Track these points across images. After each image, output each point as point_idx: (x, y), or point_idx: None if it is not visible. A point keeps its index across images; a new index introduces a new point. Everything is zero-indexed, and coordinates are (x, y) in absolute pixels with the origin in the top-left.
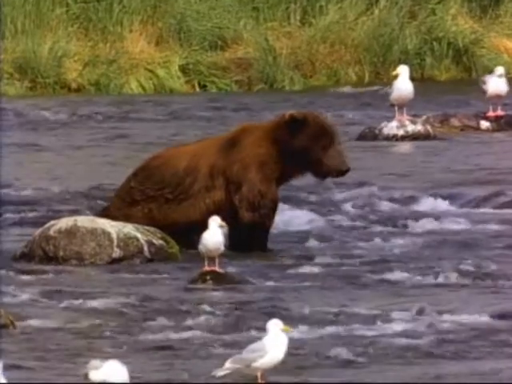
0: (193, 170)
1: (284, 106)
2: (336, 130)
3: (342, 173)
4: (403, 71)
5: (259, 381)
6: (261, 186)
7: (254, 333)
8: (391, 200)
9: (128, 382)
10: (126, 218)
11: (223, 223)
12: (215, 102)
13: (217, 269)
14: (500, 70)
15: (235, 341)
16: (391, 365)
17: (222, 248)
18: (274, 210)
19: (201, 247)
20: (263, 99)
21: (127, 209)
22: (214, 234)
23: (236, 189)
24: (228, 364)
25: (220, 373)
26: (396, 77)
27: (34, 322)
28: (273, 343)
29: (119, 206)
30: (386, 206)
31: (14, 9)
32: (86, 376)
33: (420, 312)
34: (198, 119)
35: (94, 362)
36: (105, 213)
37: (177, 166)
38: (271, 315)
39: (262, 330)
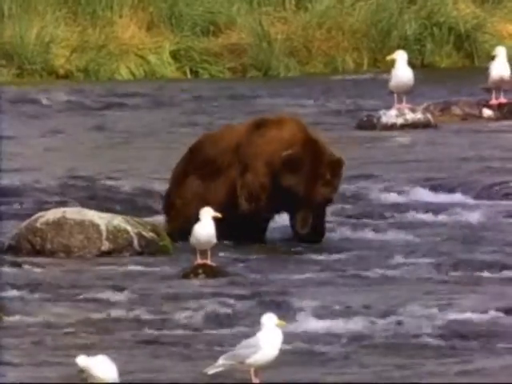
0: (227, 148)
1: (279, 94)
2: (319, 194)
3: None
4: (400, 57)
5: (252, 379)
6: (264, 179)
7: (247, 328)
8: (390, 192)
9: (117, 379)
10: (179, 198)
11: (216, 214)
12: (207, 90)
13: (209, 262)
14: (500, 50)
15: (228, 336)
16: (395, 363)
17: (214, 240)
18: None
19: (192, 240)
20: (257, 87)
21: (180, 188)
22: (206, 226)
23: (241, 172)
24: (221, 361)
25: (212, 370)
26: (392, 62)
27: (20, 317)
28: (267, 339)
29: (173, 186)
30: (384, 198)
31: None
32: (76, 375)
33: (425, 307)
34: (189, 107)
35: (82, 359)
36: (166, 194)
37: (219, 145)
38: (265, 309)
39: (256, 324)
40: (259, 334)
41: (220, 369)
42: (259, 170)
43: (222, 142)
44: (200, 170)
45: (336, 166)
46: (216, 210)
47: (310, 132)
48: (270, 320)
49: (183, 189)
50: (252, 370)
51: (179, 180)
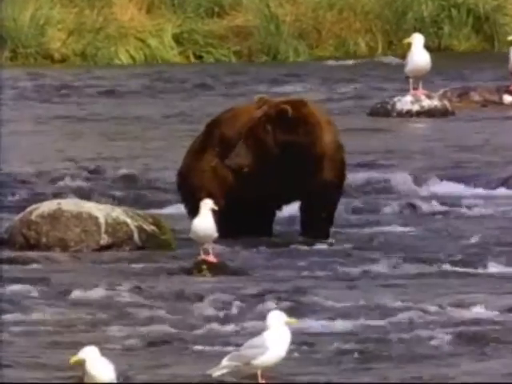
0: (241, 129)
1: (287, 80)
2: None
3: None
4: (417, 40)
5: (259, 380)
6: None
7: (253, 327)
8: (404, 183)
9: (115, 380)
10: (194, 172)
11: (215, 206)
12: (212, 75)
13: (211, 258)
14: None
15: (233, 336)
16: (407, 362)
17: (215, 234)
18: None
19: (192, 234)
20: (265, 71)
21: (196, 164)
22: (205, 220)
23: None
24: (225, 362)
25: (217, 372)
26: (408, 45)
27: (14, 315)
28: (274, 338)
29: (190, 160)
30: (398, 188)
31: None
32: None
33: (438, 305)
34: (192, 93)
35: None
36: (178, 171)
37: (235, 124)
38: (272, 307)
39: (263, 323)
40: (266, 333)
41: (224, 370)
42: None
43: (237, 122)
44: (216, 147)
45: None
46: (226, 192)
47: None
48: (277, 318)
49: (199, 165)
50: (258, 371)
51: (196, 156)
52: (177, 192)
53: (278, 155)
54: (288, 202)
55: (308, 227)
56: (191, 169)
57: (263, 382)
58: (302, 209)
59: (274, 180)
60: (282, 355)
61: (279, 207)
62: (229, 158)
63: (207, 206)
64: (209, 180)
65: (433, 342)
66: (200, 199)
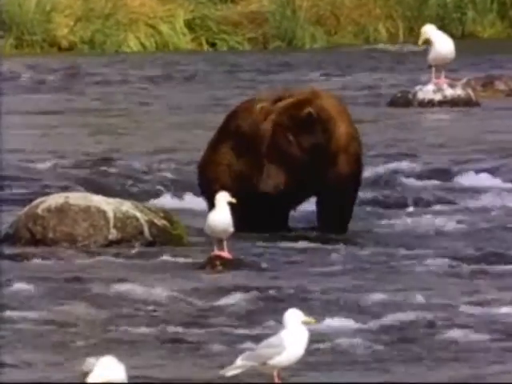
0: (257, 121)
1: (304, 68)
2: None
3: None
4: (430, 31)
5: (276, 381)
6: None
7: (269, 325)
8: (426, 175)
9: (126, 381)
10: (210, 165)
11: (233, 199)
12: (225, 63)
13: (226, 254)
14: None
15: (248, 334)
16: (426, 363)
17: (231, 229)
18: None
19: (207, 228)
20: (280, 59)
21: (212, 155)
22: (222, 213)
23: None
24: (239, 361)
25: (230, 372)
26: (427, 42)
27: (19, 314)
28: (291, 337)
29: (207, 153)
30: (418, 181)
31: None
32: (81, 376)
33: (463, 303)
34: (205, 81)
35: (88, 361)
36: (198, 163)
37: (251, 116)
38: (289, 305)
39: (279, 321)
40: (283, 332)
41: (239, 370)
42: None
43: (252, 115)
44: (232, 139)
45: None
46: (240, 186)
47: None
48: (294, 316)
49: (215, 157)
50: (275, 371)
51: (213, 148)
52: (191, 185)
53: (303, 158)
54: (305, 197)
55: (325, 222)
56: (208, 161)
57: (279, 382)
58: (319, 203)
59: (291, 176)
60: (300, 355)
61: (295, 202)
62: (262, 184)
63: (224, 198)
64: (224, 173)
65: (461, 341)
66: (215, 192)
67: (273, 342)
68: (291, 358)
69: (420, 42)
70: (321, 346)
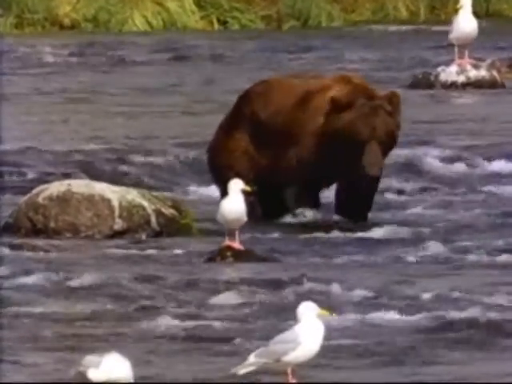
0: (277, 111)
1: (320, 47)
2: (383, 125)
3: (367, 177)
4: (466, 4)
5: (289, 379)
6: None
7: (282, 320)
8: (448, 160)
9: (132, 379)
10: (223, 151)
11: (247, 187)
12: (237, 42)
13: (237, 244)
14: None
15: (260, 330)
16: (444, 361)
17: (245, 218)
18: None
19: (219, 217)
20: (295, 38)
21: (225, 140)
22: (235, 202)
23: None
24: (252, 358)
25: (242, 370)
26: (457, 10)
27: (20, 307)
28: (306, 332)
29: (219, 137)
30: (441, 167)
31: None
32: (81, 374)
33: (487, 294)
34: (216, 62)
35: (90, 358)
36: (208, 147)
37: (269, 105)
38: (303, 298)
39: (293, 315)
40: (297, 327)
41: (251, 368)
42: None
43: (271, 99)
44: (247, 125)
45: (393, 97)
46: (258, 174)
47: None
48: (309, 310)
49: (229, 143)
50: (289, 369)
51: (226, 133)
52: (200, 173)
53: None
54: (327, 185)
55: (346, 210)
56: (220, 147)
57: (294, 381)
58: (340, 191)
59: (313, 164)
60: (316, 351)
61: (314, 191)
62: (369, 168)
63: (237, 186)
64: (238, 160)
65: (470, 337)
66: (229, 179)
67: (287, 337)
68: (307, 354)
69: (458, 5)
70: (337, 340)
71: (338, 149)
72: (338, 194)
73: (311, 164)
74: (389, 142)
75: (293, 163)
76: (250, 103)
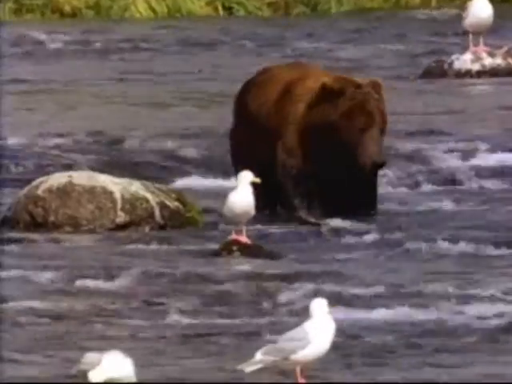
0: (267, 102)
1: (329, 35)
2: (378, 111)
3: (375, 166)
4: None
5: (298, 379)
6: (282, 155)
7: (291, 317)
8: (460, 153)
9: (134, 378)
10: (232, 139)
11: (256, 179)
12: (243, 29)
13: (244, 238)
14: None
15: (267, 326)
16: (457, 358)
17: (253, 212)
18: (292, 180)
19: (225, 211)
20: (303, 26)
21: (233, 129)
22: (243, 195)
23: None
24: (259, 356)
25: (249, 367)
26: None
27: (18, 304)
28: (317, 330)
29: (232, 125)
30: (453, 160)
31: None
32: (81, 373)
33: (499, 291)
34: (221, 50)
35: (91, 356)
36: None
37: (260, 94)
38: (312, 294)
39: (302, 312)
40: (307, 324)
41: (258, 366)
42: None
43: (270, 88)
44: (249, 114)
45: (376, 85)
46: (258, 166)
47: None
48: (319, 306)
49: (235, 132)
50: (298, 367)
51: (234, 122)
52: (206, 164)
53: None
54: (328, 178)
55: (358, 202)
56: (230, 136)
57: (303, 381)
58: (350, 183)
59: (305, 157)
60: (326, 349)
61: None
62: (375, 156)
63: (246, 178)
64: (242, 151)
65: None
66: (237, 170)
67: (296, 335)
68: (316, 353)
69: None
70: (348, 338)
71: (333, 139)
72: (341, 187)
73: (303, 157)
74: (383, 129)
75: (283, 156)
76: (251, 91)
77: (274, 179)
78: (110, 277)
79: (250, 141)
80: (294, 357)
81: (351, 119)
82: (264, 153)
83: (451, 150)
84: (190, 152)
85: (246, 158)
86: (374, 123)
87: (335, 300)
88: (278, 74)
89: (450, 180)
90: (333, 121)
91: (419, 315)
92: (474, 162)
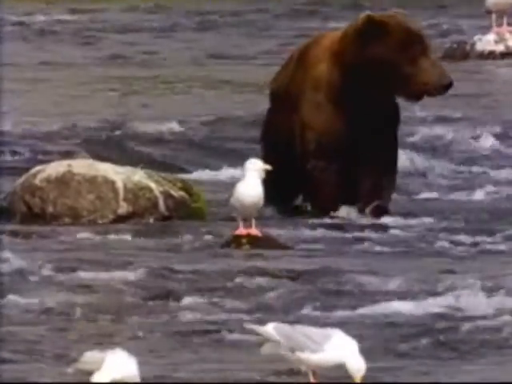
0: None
1: (335, 15)
2: (426, 36)
3: (444, 88)
4: None
5: (310, 378)
6: (306, 118)
7: (303, 313)
8: (483, 140)
9: (138, 378)
10: (270, 124)
11: (267, 166)
12: (253, 4)
13: (253, 230)
14: None
15: (280, 321)
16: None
17: (262, 203)
18: (323, 147)
19: (234, 202)
20: (305, 3)
21: (272, 112)
22: (252, 185)
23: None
24: (270, 330)
25: (255, 328)
26: None
27: (15, 299)
28: (337, 343)
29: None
30: (475, 147)
31: None
32: (81, 372)
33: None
34: (230, 27)
35: (91, 355)
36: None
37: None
38: (326, 291)
39: (317, 309)
40: (333, 332)
41: (263, 335)
42: (302, 108)
43: (283, 71)
44: (276, 99)
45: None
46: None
47: None
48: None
49: (267, 118)
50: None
51: (270, 108)
52: (214, 152)
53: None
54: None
55: (370, 196)
56: (264, 121)
57: (314, 381)
58: (361, 176)
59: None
60: (338, 363)
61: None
62: (441, 77)
63: (255, 166)
64: (267, 129)
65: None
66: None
67: (315, 337)
68: (323, 364)
69: None
70: (364, 336)
71: (387, 75)
72: (358, 178)
73: (328, 122)
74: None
75: (304, 135)
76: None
77: (295, 163)
78: (112, 270)
79: (274, 120)
80: (300, 355)
81: (406, 49)
82: (283, 131)
83: (474, 137)
84: (196, 140)
85: (269, 135)
86: (428, 48)
87: (349, 294)
88: (296, 50)
89: (472, 166)
90: (386, 55)
91: (444, 310)
92: (498, 148)
